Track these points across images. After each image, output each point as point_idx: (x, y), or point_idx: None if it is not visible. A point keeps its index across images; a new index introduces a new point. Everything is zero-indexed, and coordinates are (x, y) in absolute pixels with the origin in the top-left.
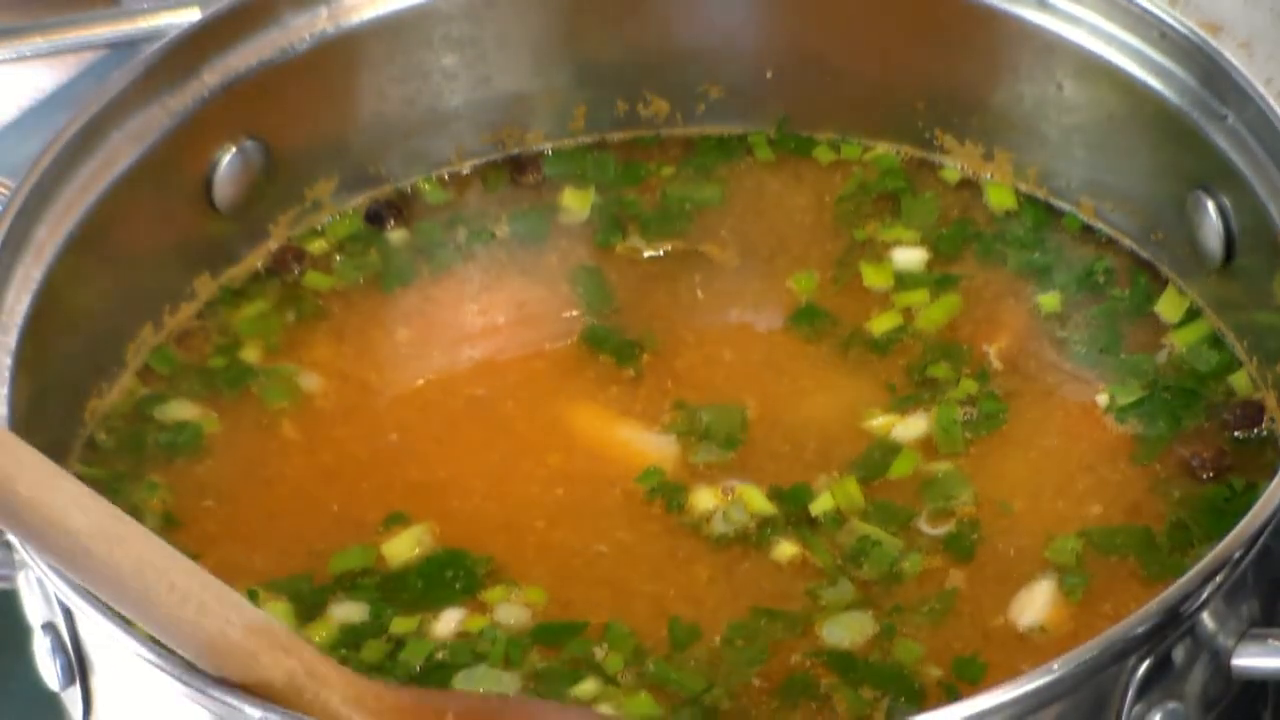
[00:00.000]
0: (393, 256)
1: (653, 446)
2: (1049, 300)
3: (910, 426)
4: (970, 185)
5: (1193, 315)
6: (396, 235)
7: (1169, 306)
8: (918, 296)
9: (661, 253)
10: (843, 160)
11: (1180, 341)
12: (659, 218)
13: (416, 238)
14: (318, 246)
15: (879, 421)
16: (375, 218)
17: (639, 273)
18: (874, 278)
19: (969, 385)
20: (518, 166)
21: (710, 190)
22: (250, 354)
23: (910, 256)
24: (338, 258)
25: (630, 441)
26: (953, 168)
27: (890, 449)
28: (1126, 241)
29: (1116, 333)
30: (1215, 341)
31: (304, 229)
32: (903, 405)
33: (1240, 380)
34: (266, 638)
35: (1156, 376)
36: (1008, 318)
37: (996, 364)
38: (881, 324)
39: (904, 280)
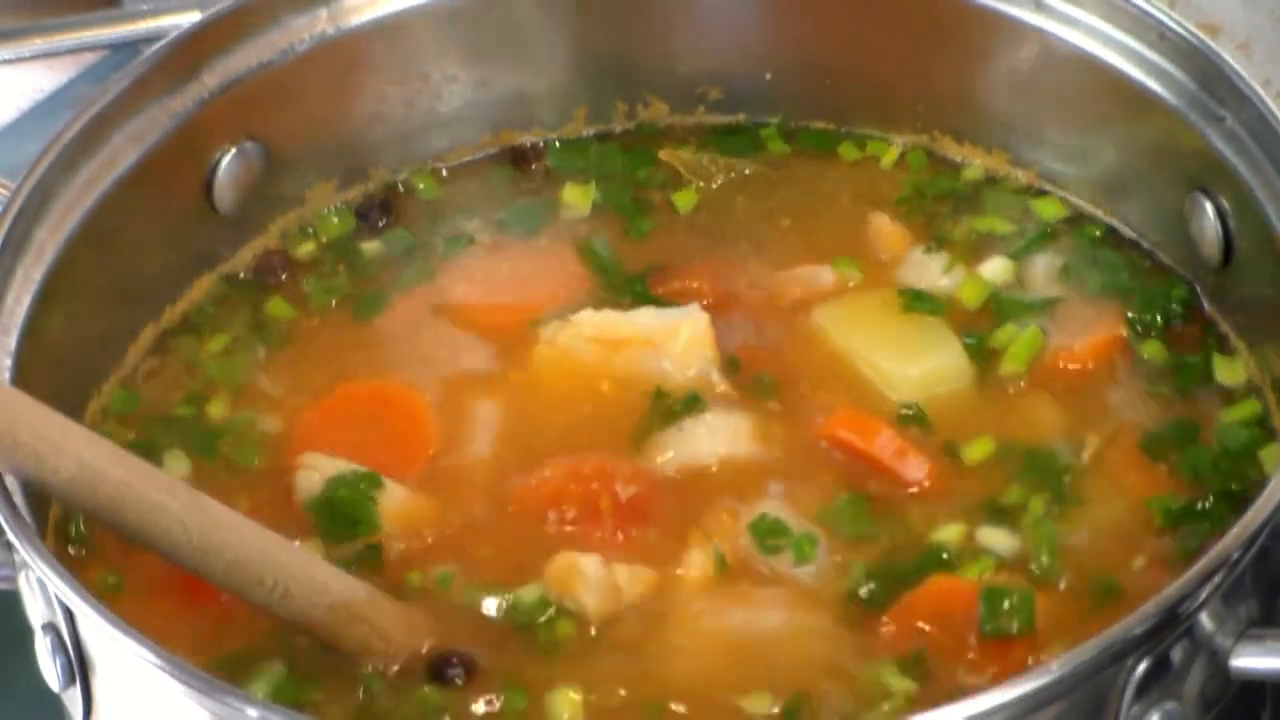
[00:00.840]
0: (380, 259)
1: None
2: (1154, 349)
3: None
4: (990, 184)
5: (1245, 392)
6: (390, 236)
7: (1227, 371)
8: (1020, 345)
9: (725, 179)
10: (869, 157)
11: (1225, 420)
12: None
13: (410, 235)
14: (306, 250)
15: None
16: (365, 215)
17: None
18: (971, 296)
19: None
20: (520, 156)
21: (746, 166)
22: (218, 407)
23: (997, 269)
24: (307, 282)
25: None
26: (974, 165)
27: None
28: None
29: (1191, 421)
30: (1256, 423)
31: (295, 230)
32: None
33: (1270, 455)
34: (344, 613)
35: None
36: (1113, 398)
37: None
38: (1013, 364)
39: (1003, 307)
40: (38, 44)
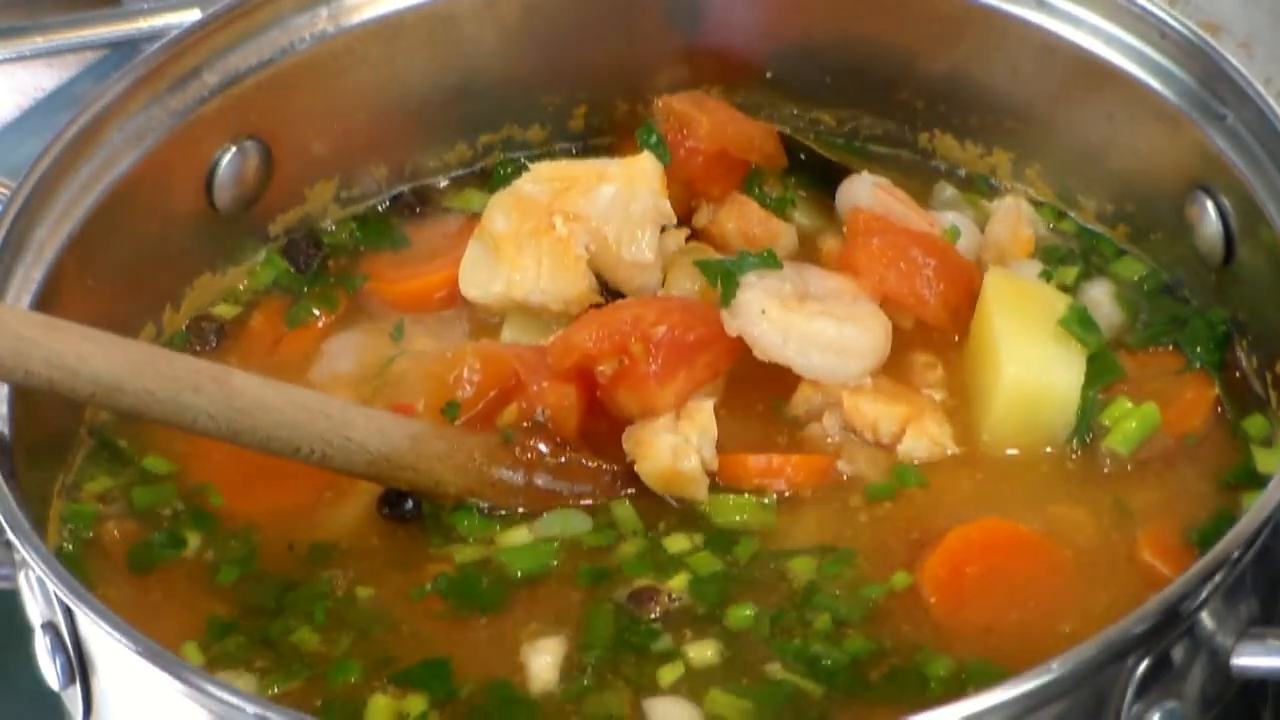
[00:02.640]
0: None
1: None
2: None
3: None
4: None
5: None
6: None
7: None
8: (1136, 421)
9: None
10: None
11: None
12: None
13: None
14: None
15: None
16: (293, 257)
17: None
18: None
19: None
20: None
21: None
22: None
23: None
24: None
25: None
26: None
27: None
28: (1133, 248)
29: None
30: None
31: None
32: None
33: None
34: (386, 465)
35: None
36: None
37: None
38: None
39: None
40: (38, 42)
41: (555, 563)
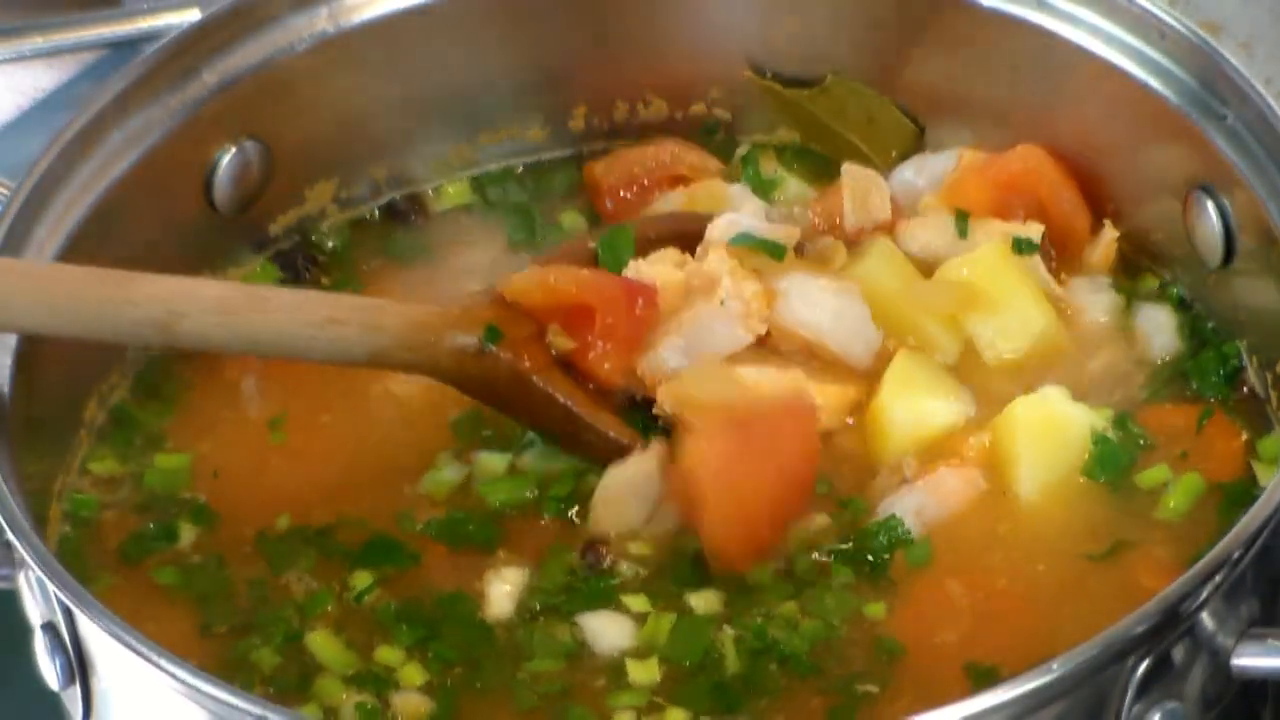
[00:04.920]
0: None
1: None
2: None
3: None
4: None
5: None
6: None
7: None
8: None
9: None
10: None
11: None
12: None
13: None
14: None
15: None
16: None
17: None
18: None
19: None
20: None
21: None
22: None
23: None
24: None
25: None
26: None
27: None
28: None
29: None
30: None
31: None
32: None
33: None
34: (385, 359)
35: None
36: None
37: None
38: None
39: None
40: (38, 42)
41: (530, 495)
